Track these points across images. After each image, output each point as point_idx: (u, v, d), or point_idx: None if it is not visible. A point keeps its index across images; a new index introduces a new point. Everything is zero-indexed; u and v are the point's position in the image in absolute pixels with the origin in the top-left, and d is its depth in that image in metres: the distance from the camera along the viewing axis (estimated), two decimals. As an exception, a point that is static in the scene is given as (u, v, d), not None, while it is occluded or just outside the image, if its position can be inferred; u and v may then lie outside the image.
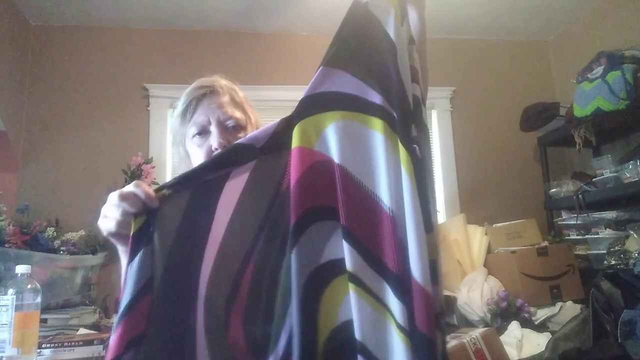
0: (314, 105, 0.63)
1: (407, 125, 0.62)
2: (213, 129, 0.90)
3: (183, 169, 0.99)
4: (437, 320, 0.57)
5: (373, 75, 0.62)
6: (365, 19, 0.64)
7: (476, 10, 2.55)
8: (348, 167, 0.61)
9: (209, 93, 0.92)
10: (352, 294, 0.58)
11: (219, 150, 0.86)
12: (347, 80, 0.62)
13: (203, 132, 0.91)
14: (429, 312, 0.55)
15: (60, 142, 2.39)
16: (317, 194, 0.61)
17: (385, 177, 0.60)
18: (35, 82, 2.43)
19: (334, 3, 2.36)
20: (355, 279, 0.58)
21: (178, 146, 0.98)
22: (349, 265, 0.58)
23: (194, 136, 0.92)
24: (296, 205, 0.60)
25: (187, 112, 0.92)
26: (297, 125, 0.62)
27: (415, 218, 0.57)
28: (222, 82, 0.96)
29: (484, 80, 2.83)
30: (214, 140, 0.89)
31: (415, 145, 0.62)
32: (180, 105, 0.94)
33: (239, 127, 0.93)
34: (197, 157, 0.92)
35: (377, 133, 0.61)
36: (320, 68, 0.63)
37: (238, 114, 0.93)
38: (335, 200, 0.60)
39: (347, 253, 0.59)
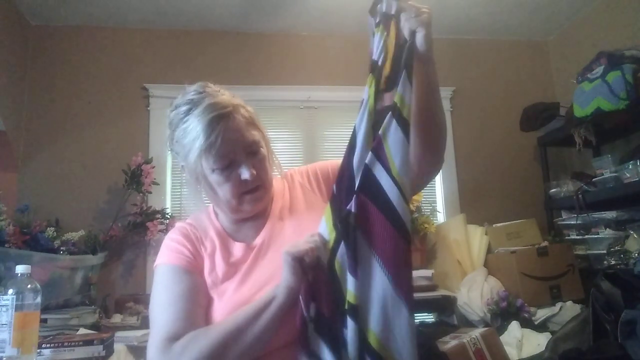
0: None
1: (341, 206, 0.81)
2: (240, 158, 0.90)
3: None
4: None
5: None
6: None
7: (476, 10, 2.55)
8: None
9: (224, 118, 0.89)
10: None
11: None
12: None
13: (230, 164, 0.90)
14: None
15: (60, 142, 2.39)
16: None
17: None
18: (35, 82, 2.43)
19: (334, 3, 2.36)
20: None
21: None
22: None
23: (219, 170, 0.90)
24: None
25: (208, 141, 0.87)
26: None
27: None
28: (230, 99, 0.92)
29: (484, 80, 2.83)
30: (246, 173, 0.89)
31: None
32: (193, 130, 0.88)
33: (260, 148, 0.93)
34: (225, 188, 0.91)
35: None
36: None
37: (257, 135, 0.93)
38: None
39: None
